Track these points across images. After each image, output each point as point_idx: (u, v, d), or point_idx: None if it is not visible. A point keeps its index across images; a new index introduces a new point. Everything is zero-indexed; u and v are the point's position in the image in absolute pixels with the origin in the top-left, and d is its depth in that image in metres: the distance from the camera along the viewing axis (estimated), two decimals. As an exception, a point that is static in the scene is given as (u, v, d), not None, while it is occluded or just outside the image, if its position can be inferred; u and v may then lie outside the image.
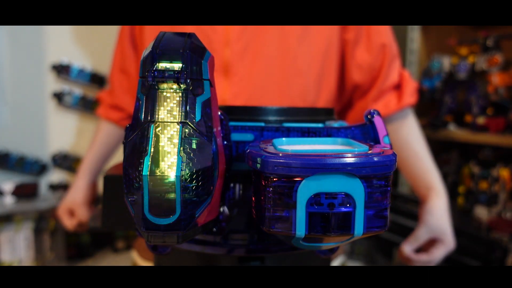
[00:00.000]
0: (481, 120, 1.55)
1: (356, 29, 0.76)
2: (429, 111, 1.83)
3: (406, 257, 0.72)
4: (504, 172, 1.50)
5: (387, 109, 0.76)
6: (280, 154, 0.28)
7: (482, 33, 1.57)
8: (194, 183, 0.28)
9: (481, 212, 1.57)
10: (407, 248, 0.73)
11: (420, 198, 0.78)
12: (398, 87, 0.79)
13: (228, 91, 0.71)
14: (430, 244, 0.73)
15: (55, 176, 2.15)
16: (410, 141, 0.78)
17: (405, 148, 0.77)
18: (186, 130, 0.28)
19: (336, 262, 0.76)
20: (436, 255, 0.71)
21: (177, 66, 0.28)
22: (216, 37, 0.71)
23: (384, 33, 0.77)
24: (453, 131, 1.66)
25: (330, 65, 0.76)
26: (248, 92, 0.72)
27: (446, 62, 1.71)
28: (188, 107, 0.28)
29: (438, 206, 0.74)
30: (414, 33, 1.76)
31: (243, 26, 0.71)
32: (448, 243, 0.72)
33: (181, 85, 0.28)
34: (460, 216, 1.67)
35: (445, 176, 1.78)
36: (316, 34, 0.74)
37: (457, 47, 1.68)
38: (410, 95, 0.77)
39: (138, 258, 0.75)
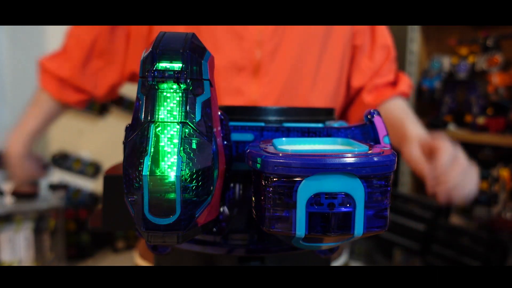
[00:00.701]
0: (481, 120, 1.55)
1: (362, 35, 0.78)
2: (429, 111, 1.83)
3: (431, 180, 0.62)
4: (504, 172, 1.50)
5: (381, 97, 0.78)
6: (280, 154, 0.27)
7: (482, 33, 1.57)
8: (194, 183, 0.28)
9: (481, 212, 1.57)
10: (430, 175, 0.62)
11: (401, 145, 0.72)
12: (393, 83, 0.81)
13: (258, 92, 0.72)
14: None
15: (55, 176, 2.15)
16: (400, 114, 0.77)
17: (394, 120, 0.75)
18: (186, 130, 0.28)
19: (340, 260, 0.76)
20: (441, 158, 0.60)
21: (177, 66, 0.28)
22: (249, 36, 0.71)
23: (386, 37, 0.80)
24: (453, 131, 1.66)
25: (345, 70, 0.78)
26: (277, 93, 0.72)
27: (446, 62, 1.71)
28: (188, 107, 0.28)
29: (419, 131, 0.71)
30: (414, 33, 1.76)
31: (275, 26, 0.71)
32: (443, 142, 0.62)
33: (181, 85, 0.28)
34: (460, 216, 1.68)
35: (445, 176, 1.78)
36: (335, 40, 0.75)
37: (457, 47, 1.68)
38: (404, 86, 0.79)
39: (140, 260, 0.75)
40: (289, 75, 0.73)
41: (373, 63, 0.79)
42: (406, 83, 0.80)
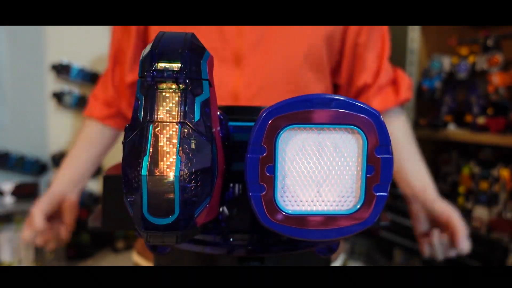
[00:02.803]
0: (481, 120, 1.55)
1: (366, 31, 0.77)
2: (429, 111, 1.83)
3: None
4: (504, 172, 1.50)
5: (385, 102, 0.79)
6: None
7: (482, 33, 1.57)
8: (193, 183, 0.28)
9: (481, 212, 1.57)
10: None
11: (410, 196, 0.76)
12: (394, 82, 0.82)
13: (240, 81, 0.72)
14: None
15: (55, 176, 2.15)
16: (404, 138, 0.80)
17: (397, 143, 0.77)
18: (185, 130, 0.28)
19: (338, 261, 0.76)
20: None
21: (176, 66, 0.28)
22: (228, 28, 0.71)
23: (386, 33, 0.80)
24: (453, 131, 1.66)
25: (325, 64, 0.77)
26: (259, 83, 0.73)
27: (446, 62, 1.70)
28: (187, 107, 0.28)
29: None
30: (414, 33, 1.76)
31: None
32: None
33: (180, 85, 0.28)
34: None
35: (445, 176, 1.78)
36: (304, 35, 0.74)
37: (457, 47, 1.68)
38: (406, 90, 0.81)
39: (138, 257, 0.75)
40: (273, 65, 0.73)
41: (378, 59, 0.79)
42: (406, 85, 0.81)
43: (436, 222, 0.71)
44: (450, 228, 0.68)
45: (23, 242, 0.74)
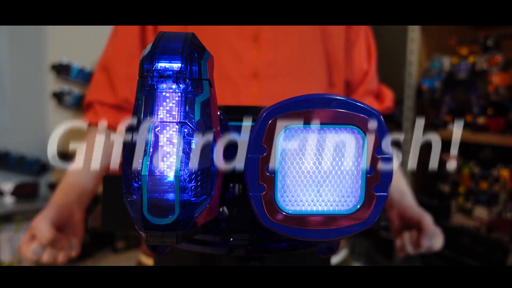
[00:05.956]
0: (481, 120, 1.55)
1: (355, 30, 0.80)
2: (429, 111, 1.83)
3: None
4: (504, 172, 1.50)
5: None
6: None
7: (482, 33, 1.57)
8: (193, 183, 0.28)
9: (481, 212, 1.57)
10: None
11: (387, 205, 0.77)
12: (378, 94, 0.84)
13: (258, 58, 0.73)
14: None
15: (55, 176, 2.15)
16: None
17: None
18: (185, 130, 0.28)
19: (340, 255, 0.77)
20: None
21: (176, 66, 0.28)
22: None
23: (372, 39, 0.83)
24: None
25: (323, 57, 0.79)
26: (280, 62, 0.74)
27: (446, 62, 1.70)
28: (187, 107, 0.28)
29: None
30: (414, 33, 1.76)
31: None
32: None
33: (180, 85, 0.28)
34: (460, 216, 1.67)
35: (445, 176, 1.78)
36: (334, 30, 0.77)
37: (457, 47, 1.68)
38: (389, 100, 0.83)
39: (144, 257, 0.76)
40: (291, 43, 0.74)
41: (362, 59, 0.81)
42: (390, 96, 0.83)
43: (411, 226, 0.72)
44: (419, 227, 0.70)
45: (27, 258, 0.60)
